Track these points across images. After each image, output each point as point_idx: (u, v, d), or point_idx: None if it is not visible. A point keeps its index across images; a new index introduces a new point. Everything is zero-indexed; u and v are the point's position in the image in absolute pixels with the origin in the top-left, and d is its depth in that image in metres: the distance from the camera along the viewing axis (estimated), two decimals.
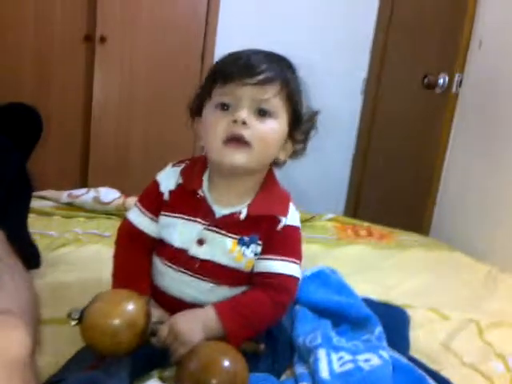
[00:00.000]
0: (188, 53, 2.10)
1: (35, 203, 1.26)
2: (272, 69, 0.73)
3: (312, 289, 0.94)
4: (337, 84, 2.36)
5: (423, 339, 0.93)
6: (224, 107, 0.74)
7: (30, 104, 1.08)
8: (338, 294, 0.94)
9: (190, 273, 0.77)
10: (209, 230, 0.77)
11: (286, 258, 0.78)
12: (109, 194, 1.42)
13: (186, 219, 0.78)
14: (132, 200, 1.38)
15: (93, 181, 2.05)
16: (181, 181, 0.80)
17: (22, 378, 0.54)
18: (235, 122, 0.72)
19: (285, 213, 0.78)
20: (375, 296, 1.04)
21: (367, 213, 2.22)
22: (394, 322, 0.92)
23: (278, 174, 0.84)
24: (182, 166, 0.82)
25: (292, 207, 0.80)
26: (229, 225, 0.77)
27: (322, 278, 0.98)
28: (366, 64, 2.39)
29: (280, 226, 0.78)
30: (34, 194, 1.14)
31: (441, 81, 1.76)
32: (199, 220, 0.77)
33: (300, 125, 0.78)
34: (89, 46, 2.05)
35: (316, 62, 2.29)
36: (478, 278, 1.28)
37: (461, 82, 1.72)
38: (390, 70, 2.24)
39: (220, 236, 0.77)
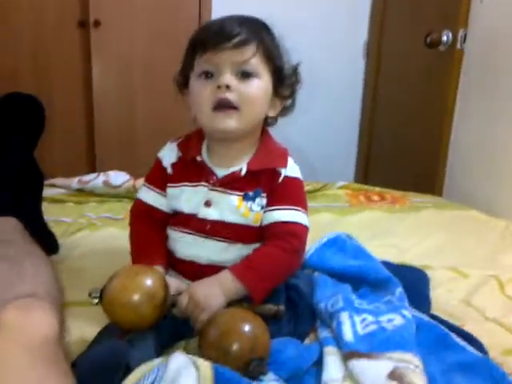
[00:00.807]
0: (185, 29, 2.04)
1: (46, 191, 1.26)
2: (245, 30, 0.75)
3: (329, 255, 0.94)
4: (338, 50, 2.31)
5: (444, 298, 0.93)
6: (207, 75, 0.76)
7: (29, 93, 1.08)
8: (355, 258, 0.94)
9: (202, 235, 0.80)
10: (213, 190, 0.80)
11: (290, 207, 0.80)
12: (118, 177, 1.42)
13: (191, 185, 0.81)
14: (141, 181, 1.37)
15: (100, 165, 2.05)
16: (180, 153, 0.83)
17: (51, 357, 0.55)
18: (219, 87, 0.74)
19: (284, 165, 0.81)
20: (392, 259, 1.04)
21: (378, 178, 2.20)
22: (414, 283, 0.91)
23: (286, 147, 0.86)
24: (180, 140, 0.86)
25: (290, 160, 0.83)
26: (231, 182, 0.79)
27: (338, 243, 0.97)
28: (365, 27, 2.33)
29: (281, 177, 0.80)
30: (45, 182, 1.14)
31: (444, 38, 1.71)
32: (203, 183, 0.80)
33: (284, 80, 0.81)
34: (83, 31, 2.02)
35: (315, 29, 2.26)
36: (494, 234, 1.27)
37: (465, 37, 1.68)
38: (391, 31, 2.19)
39: (225, 195, 0.79)
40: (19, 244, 0.81)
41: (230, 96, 0.74)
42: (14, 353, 0.54)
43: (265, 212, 0.80)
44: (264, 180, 0.80)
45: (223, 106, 0.75)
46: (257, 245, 0.81)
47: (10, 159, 0.98)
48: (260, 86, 0.77)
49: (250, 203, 0.79)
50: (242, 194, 0.79)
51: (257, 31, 0.77)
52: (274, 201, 0.80)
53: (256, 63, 0.76)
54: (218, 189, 0.80)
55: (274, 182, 0.80)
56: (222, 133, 0.78)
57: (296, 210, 0.80)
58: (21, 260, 0.76)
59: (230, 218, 0.79)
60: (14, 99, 1.02)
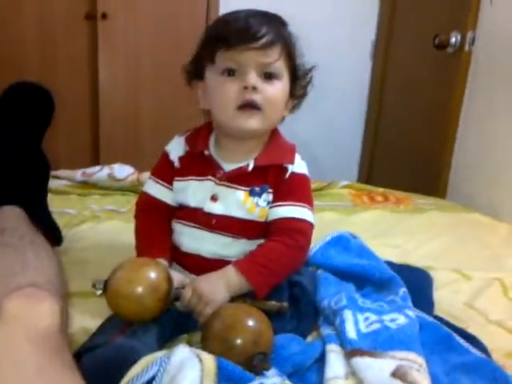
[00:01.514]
0: (192, 22, 2.06)
1: (50, 183, 1.25)
2: (272, 31, 0.75)
3: (333, 253, 0.94)
4: (345, 49, 2.31)
5: (447, 299, 0.93)
6: (230, 72, 0.76)
7: (38, 82, 1.07)
8: (359, 257, 0.93)
9: (207, 229, 0.80)
10: (220, 185, 0.80)
11: (296, 203, 0.80)
12: (123, 171, 1.42)
13: (198, 179, 0.81)
14: (146, 175, 1.37)
15: (104, 158, 2.05)
16: (187, 147, 0.83)
17: (54, 347, 0.55)
18: (246, 88, 0.74)
19: (291, 161, 0.81)
20: (396, 259, 1.04)
21: (381, 179, 2.20)
22: (417, 284, 0.91)
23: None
24: (187, 134, 0.86)
25: (298, 157, 0.83)
26: (238, 178, 0.80)
27: (342, 242, 0.97)
28: (374, 27, 2.33)
29: (287, 174, 0.80)
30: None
31: (453, 40, 1.71)
32: (210, 177, 0.80)
33: (299, 80, 0.82)
34: (90, 23, 2.02)
35: (322, 28, 2.25)
36: (498, 237, 1.27)
37: (473, 39, 1.67)
38: (399, 32, 2.18)
39: (231, 190, 0.79)
40: (23, 233, 0.81)
41: (256, 97, 0.75)
42: (16, 343, 0.53)
43: (270, 208, 0.80)
44: (271, 176, 0.80)
45: (248, 106, 0.75)
46: (261, 240, 0.81)
47: (17, 149, 0.98)
48: (281, 87, 0.78)
49: (256, 199, 0.79)
50: (248, 189, 0.79)
51: (281, 31, 0.77)
52: (280, 197, 0.80)
53: (280, 65, 0.77)
54: (224, 183, 0.80)
55: (281, 177, 0.80)
56: (243, 132, 0.78)
57: (302, 206, 0.80)
58: (24, 249, 0.75)
59: (236, 213, 0.79)
60: (23, 88, 1.02)
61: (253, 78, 0.74)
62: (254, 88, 0.74)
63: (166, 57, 2.06)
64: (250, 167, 0.79)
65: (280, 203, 0.80)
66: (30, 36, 1.99)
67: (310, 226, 0.81)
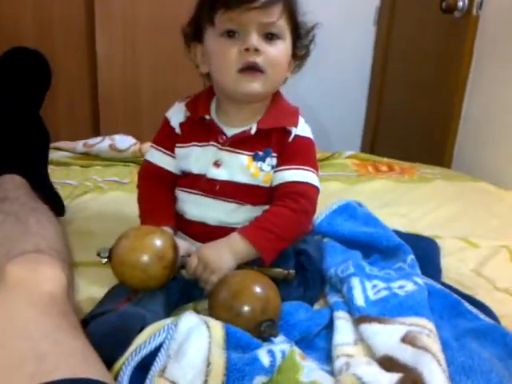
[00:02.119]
0: None
1: (51, 155, 1.24)
2: None
3: (339, 221, 0.92)
4: (350, 13, 2.24)
5: (454, 267, 0.92)
6: (230, 34, 0.73)
7: (34, 48, 1.04)
8: (365, 225, 0.92)
9: (211, 196, 0.79)
10: (223, 150, 0.78)
11: (300, 167, 0.78)
12: (124, 141, 1.40)
13: (200, 145, 0.79)
14: (148, 145, 1.35)
15: (105, 130, 2.02)
16: (188, 113, 0.81)
17: (59, 312, 0.54)
18: (247, 49, 0.71)
19: (294, 123, 0.79)
20: (402, 228, 1.03)
21: (385, 149, 2.17)
22: (424, 252, 0.90)
23: None
24: (188, 100, 0.83)
25: (301, 120, 0.81)
26: (241, 142, 0.78)
27: (349, 210, 0.96)
28: None
29: (291, 137, 0.78)
30: (50, 145, 1.12)
31: (460, 3, 1.66)
32: (212, 143, 0.79)
33: (301, 40, 0.79)
34: None
35: None
36: (504, 206, 1.25)
37: (481, 3, 1.62)
38: None
39: (234, 154, 0.78)
40: (24, 201, 0.80)
41: (258, 59, 0.72)
42: (20, 309, 0.52)
43: (275, 172, 0.78)
44: (274, 139, 0.78)
45: (250, 68, 0.73)
46: (266, 207, 0.79)
47: (14, 115, 0.96)
48: (284, 48, 0.75)
49: (260, 163, 0.77)
50: (251, 153, 0.78)
51: None
52: (284, 161, 0.78)
53: (282, 24, 0.74)
54: (227, 148, 0.78)
55: (285, 141, 0.78)
56: (246, 96, 0.75)
57: (306, 170, 0.79)
58: (26, 216, 0.74)
59: (240, 178, 0.77)
60: (18, 54, 0.99)
61: (254, 39, 0.71)
62: (256, 50, 0.72)
63: (164, 23, 2.01)
64: (253, 131, 0.77)
65: (284, 167, 0.78)
66: (26, 5, 1.93)
67: (316, 189, 0.79)
